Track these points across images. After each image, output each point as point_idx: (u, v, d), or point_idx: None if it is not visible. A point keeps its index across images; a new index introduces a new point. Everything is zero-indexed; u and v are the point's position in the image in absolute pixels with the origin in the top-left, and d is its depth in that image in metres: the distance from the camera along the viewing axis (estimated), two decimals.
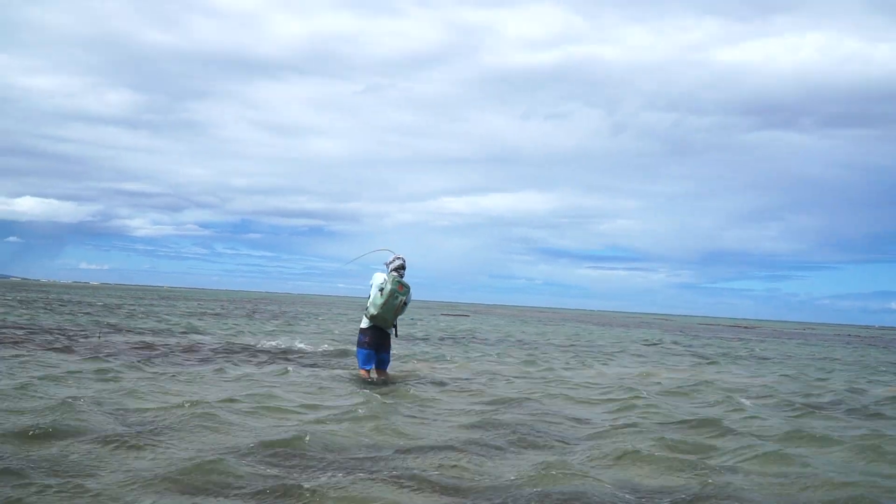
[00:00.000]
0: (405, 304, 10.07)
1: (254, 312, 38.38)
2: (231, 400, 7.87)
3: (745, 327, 71.65)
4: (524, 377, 12.38)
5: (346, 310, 53.36)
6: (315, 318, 34.15)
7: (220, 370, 10.92)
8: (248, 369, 11.38)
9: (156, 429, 6.28)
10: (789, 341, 38.00)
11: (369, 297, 10.04)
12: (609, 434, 7.26)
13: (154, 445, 5.76)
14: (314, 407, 8.04)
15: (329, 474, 5.24)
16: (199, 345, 15.70)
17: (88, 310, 29.95)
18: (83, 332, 17.35)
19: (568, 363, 15.97)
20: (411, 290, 10.09)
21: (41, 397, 7.56)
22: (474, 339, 23.99)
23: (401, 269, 10.12)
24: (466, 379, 11.57)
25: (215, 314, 33.31)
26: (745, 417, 8.61)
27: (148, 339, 16.59)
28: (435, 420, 7.64)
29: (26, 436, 5.81)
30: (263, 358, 13.50)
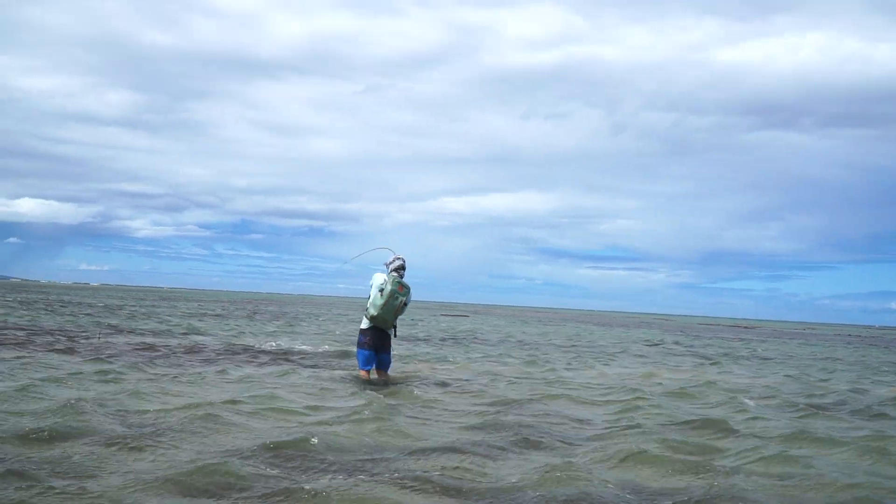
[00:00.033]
0: (405, 304, 10.05)
1: (254, 313, 38.37)
2: (234, 401, 7.85)
3: (746, 327, 71.62)
4: (526, 378, 12.36)
5: (346, 310, 53.37)
6: (316, 319, 34.14)
7: (223, 371, 10.90)
8: (251, 370, 11.37)
9: (159, 430, 6.26)
10: (790, 341, 37.98)
11: (369, 298, 10.03)
12: (613, 435, 7.24)
13: (157, 447, 5.75)
14: (317, 408, 8.03)
15: (332, 476, 5.22)
16: (201, 346, 15.68)
17: (89, 311, 29.94)
18: (85, 334, 17.34)
19: (569, 364, 15.95)
20: (411, 291, 10.08)
21: (44, 399, 7.54)
22: (475, 340, 23.98)
23: (401, 269, 10.09)
24: (468, 380, 11.55)
25: (216, 315, 33.30)
26: (749, 418, 8.59)
27: (149, 340, 16.58)
28: (437, 421, 7.63)
29: (29, 437, 5.79)
30: (265, 359, 13.48)
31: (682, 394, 10.85)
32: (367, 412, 7.61)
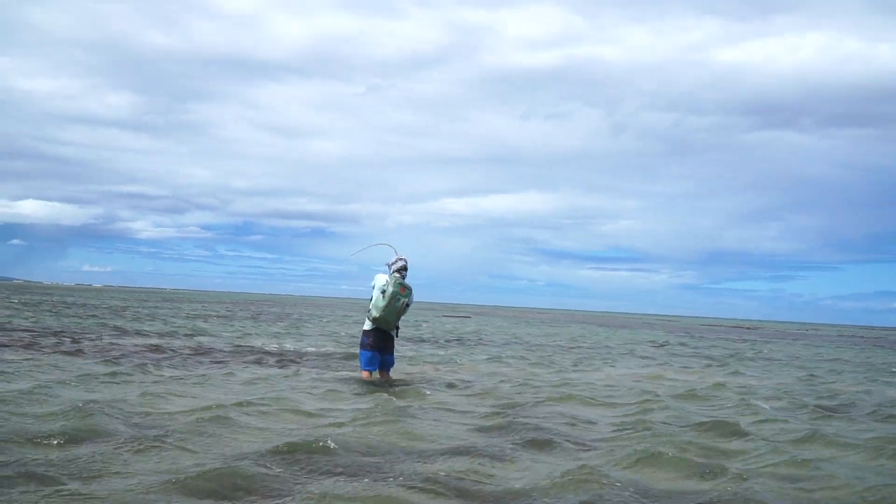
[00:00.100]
0: (407, 305, 10.04)
1: (258, 314, 38.37)
2: (244, 403, 7.82)
3: (748, 328, 71.48)
4: (534, 379, 12.33)
5: (349, 311, 53.38)
6: (320, 321, 34.14)
7: (231, 373, 10.89)
8: (259, 372, 11.35)
9: (169, 432, 6.23)
10: (795, 342, 37.92)
11: (371, 300, 10.01)
12: (624, 437, 7.20)
13: (167, 449, 5.72)
14: (326, 410, 8.00)
15: (341, 478, 5.19)
16: (208, 347, 15.68)
17: (94, 312, 29.94)
18: (91, 335, 17.33)
19: (576, 365, 15.93)
20: (413, 292, 10.05)
21: (52, 401, 7.51)
22: (480, 341, 23.96)
23: (403, 269, 10.08)
24: (475, 381, 11.53)
25: (220, 316, 33.30)
26: (762, 420, 8.56)
27: (156, 341, 16.57)
28: (446, 423, 7.59)
29: (38, 440, 5.76)
30: (272, 360, 13.48)
31: (692, 395, 10.81)
32: (376, 414, 7.59)
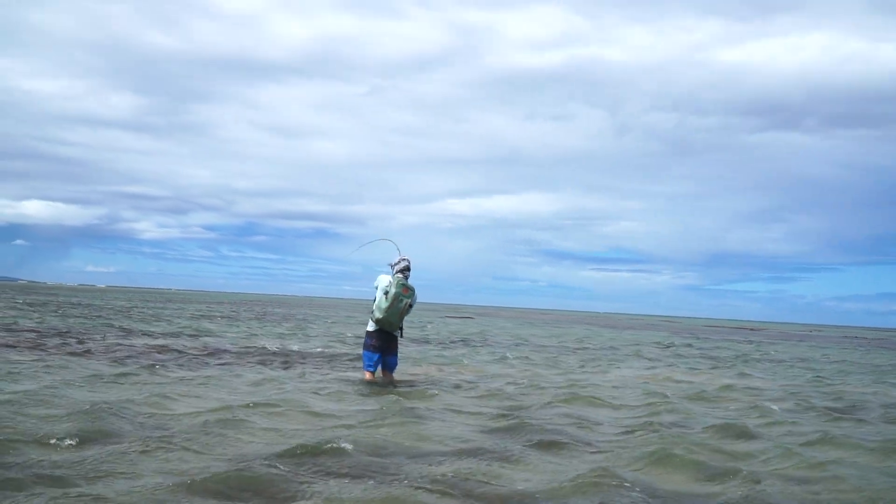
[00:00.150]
0: (410, 306, 10.03)
1: (263, 315, 38.39)
2: (252, 404, 7.82)
3: (751, 329, 71.38)
4: (541, 381, 12.31)
5: (353, 312, 53.36)
6: (325, 321, 34.14)
7: (238, 374, 10.90)
8: (266, 373, 11.35)
9: (178, 433, 6.23)
10: (799, 344, 37.86)
11: (374, 300, 10.00)
12: (635, 439, 7.19)
13: (175, 450, 5.71)
14: (333, 411, 7.99)
15: (349, 479, 5.18)
16: (215, 348, 15.68)
17: (99, 313, 29.96)
18: (97, 336, 17.34)
19: (583, 366, 15.91)
20: (416, 292, 10.05)
21: (62, 402, 7.50)
22: (486, 342, 23.95)
23: (406, 270, 10.07)
24: (483, 382, 11.51)
25: (225, 317, 33.31)
26: (773, 422, 8.55)
27: (163, 342, 16.58)
28: (454, 424, 7.57)
29: (46, 441, 5.74)
30: (279, 361, 13.48)
31: (702, 397, 10.79)
32: (383, 415, 7.59)
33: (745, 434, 7.63)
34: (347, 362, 13.81)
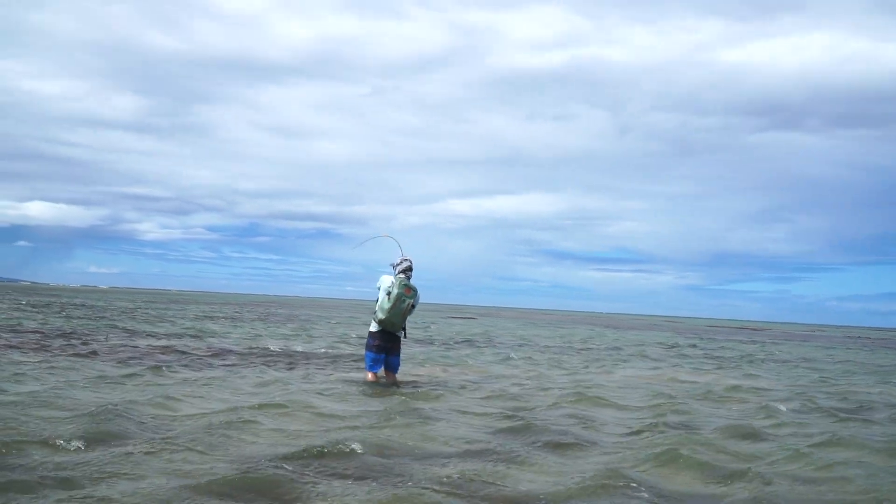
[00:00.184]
0: (413, 306, 10.02)
1: (266, 316, 38.40)
2: (260, 405, 7.80)
3: (754, 329, 71.34)
4: (547, 381, 12.30)
5: (356, 313, 53.37)
6: (328, 322, 34.14)
7: (244, 375, 10.89)
8: (271, 374, 11.33)
9: (184, 435, 6.20)
10: (803, 344, 37.81)
11: (377, 301, 10.00)
12: (643, 439, 7.16)
13: (182, 451, 5.69)
14: (339, 412, 7.96)
15: (355, 480, 5.16)
16: (219, 349, 15.68)
17: (103, 314, 29.98)
18: (102, 337, 17.34)
19: (588, 367, 15.88)
20: (418, 292, 10.04)
21: (68, 403, 7.50)
22: (490, 343, 23.94)
23: (408, 270, 10.07)
24: (488, 383, 11.50)
25: (229, 318, 33.33)
26: (780, 423, 8.52)
27: (168, 343, 16.60)
28: (460, 425, 7.55)
29: (53, 442, 5.71)
30: (284, 362, 13.48)
31: (708, 398, 10.77)
32: (389, 416, 7.58)
33: (752, 435, 7.61)
34: (352, 363, 13.80)
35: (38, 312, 27.94)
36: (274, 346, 17.22)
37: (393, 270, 10.11)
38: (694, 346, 28.96)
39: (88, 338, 16.79)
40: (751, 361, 20.44)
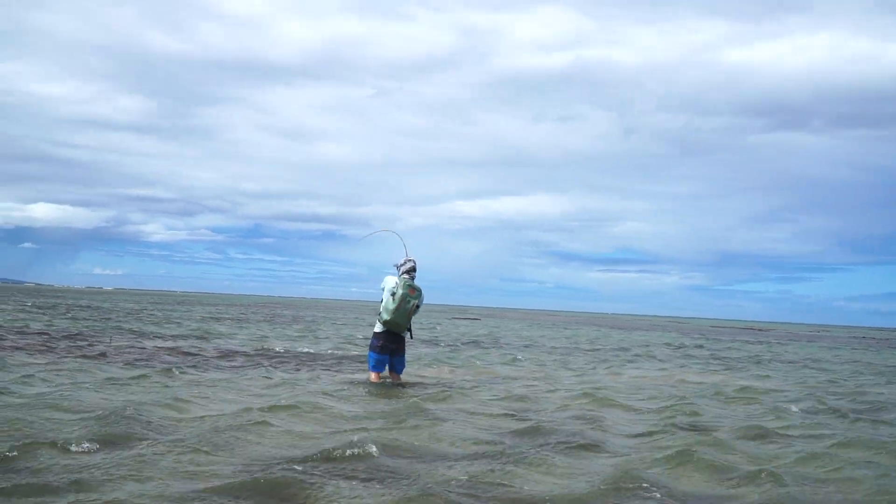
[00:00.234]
0: (417, 307, 10.02)
1: (272, 317, 38.42)
2: (268, 407, 7.76)
3: (760, 329, 71.25)
4: (555, 382, 12.28)
5: (361, 314, 53.41)
6: (333, 323, 34.14)
7: (253, 377, 10.87)
8: (280, 375, 11.33)
9: (196, 437, 6.17)
10: (810, 344, 37.72)
11: (382, 302, 9.98)
12: (654, 440, 7.13)
13: (192, 453, 5.67)
14: (348, 413, 7.95)
15: (364, 481, 5.13)
16: (228, 350, 15.69)
17: (109, 315, 30.01)
18: (110, 339, 17.35)
19: (596, 367, 15.84)
20: (423, 293, 10.02)
21: (78, 406, 7.48)
22: (497, 344, 23.91)
23: (412, 271, 10.06)
24: (497, 384, 11.48)
25: (235, 319, 33.35)
26: (792, 424, 8.47)
27: (176, 344, 16.61)
28: (470, 426, 7.50)
29: (63, 445, 5.68)
30: (292, 364, 13.47)
31: (718, 398, 10.72)
32: (398, 417, 7.58)
33: (764, 436, 7.57)
34: (358, 364, 13.78)
35: (43, 314, 27.97)
36: (281, 347, 17.21)
37: (397, 271, 10.11)
38: (700, 346, 28.89)
39: (95, 339, 16.80)
40: (758, 362, 20.38)
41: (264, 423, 6.91)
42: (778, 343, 36.64)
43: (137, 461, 5.32)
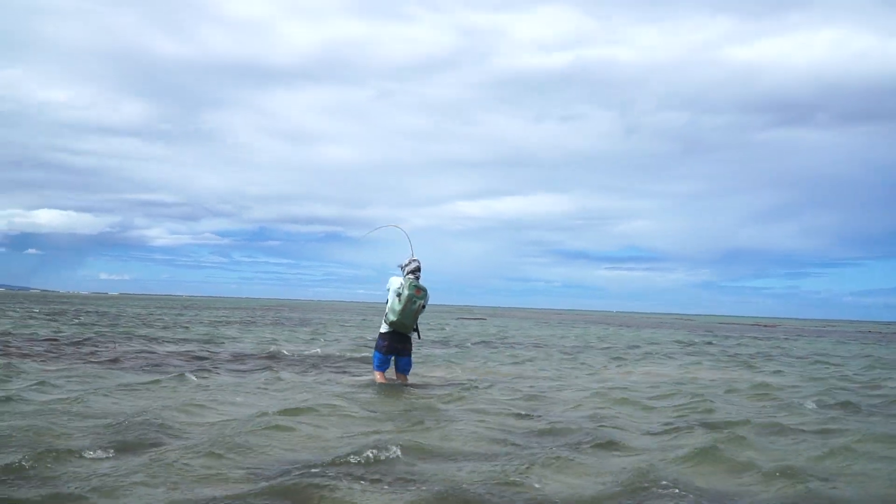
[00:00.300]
0: (423, 307, 10.01)
1: (280, 320, 38.41)
2: (282, 411, 7.72)
3: (767, 326, 71.07)
4: (569, 381, 12.24)
5: (368, 315, 53.37)
6: (342, 325, 34.13)
7: (266, 380, 10.85)
8: (293, 378, 11.31)
9: (212, 441, 6.14)
10: (819, 339, 37.60)
11: (387, 303, 9.95)
12: (674, 439, 7.09)
13: (210, 458, 5.65)
14: (363, 415, 7.92)
15: (376, 483, 5.11)
16: (239, 354, 15.69)
17: (118, 321, 30.03)
18: (121, 344, 17.34)
19: (608, 366, 15.79)
20: (428, 293, 10.00)
21: (93, 412, 7.46)
22: (507, 343, 23.88)
23: (417, 271, 10.06)
24: (510, 384, 11.44)
25: (243, 322, 33.36)
26: (809, 420, 8.43)
27: (187, 349, 16.62)
28: (484, 427, 7.45)
29: (79, 452, 5.64)
30: (304, 366, 13.47)
31: (735, 395, 10.69)
32: (411, 418, 7.58)
33: (782, 432, 7.55)
34: (370, 366, 13.71)
35: (52, 320, 28.00)
36: (291, 350, 17.20)
37: (401, 272, 10.10)
38: (710, 343, 28.81)
39: (106, 345, 16.80)
40: (770, 358, 20.30)
41: (281, 426, 6.89)
42: (787, 339, 36.54)
43: (152, 467, 5.30)
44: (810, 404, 9.61)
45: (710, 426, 7.69)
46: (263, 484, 5.00)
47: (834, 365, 18.12)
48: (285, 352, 16.57)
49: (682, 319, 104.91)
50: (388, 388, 10.04)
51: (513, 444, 6.59)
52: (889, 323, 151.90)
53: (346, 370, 12.98)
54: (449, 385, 10.85)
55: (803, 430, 7.70)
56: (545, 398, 9.81)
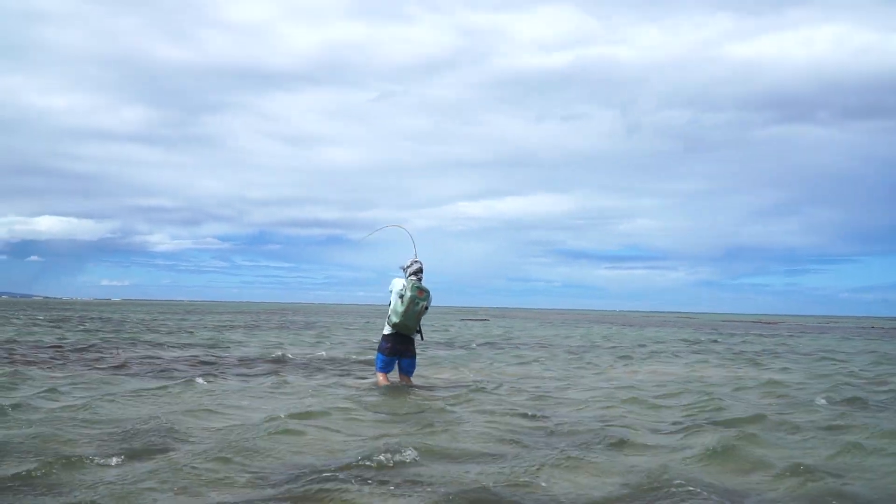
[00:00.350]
0: (426, 308, 9.98)
1: (283, 324, 38.41)
2: (293, 414, 7.69)
3: (769, 323, 71.03)
4: (576, 381, 12.22)
5: (371, 318, 53.36)
6: (346, 328, 34.10)
7: (274, 384, 10.82)
8: (301, 382, 11.29)
9: (224, 447, 6.12)
10: (822, 336, 37.56)
11: (390, 305, 9.94)
12: (685, 437, 7.05)
13: (221, 462, 5.63)
14: (372, 418, 7.91)
15: (385, 486, 5.09)
16: (246, 358, 15.68)
17: (122, 326, 30.04)
18: (127, 350, 17.35)
19: (614, 365, 15.77)
20: (431, 294, 9.98)
21: (102, 419, 7.44)
22: (512, 344, 23.86)
23: (419, 272, 10.03)
24: (517, 384, 11.42)
25: (247, 327, 33.35)
26: (820, 416, 8.39)
27: (194, 353, 16.62)
28: (493, 428, 7.42)
29: (88, 459, 5.61)
30: (311, 369, 13.46)
31: (743, 392, 10.68)
32: (420, 420, 7.56)
33: (794, 429, 7.54)
34: (374, 368, 13.75)
35: (56, 327, 28.01)
36: (297, 353, 17.19)
37: (403, 273, 10.07)
38: (715, 341, 28.80)
39: (112, 351, 16.79)
40: (776, 355, 20.27)
41: (289, 430, 6.86)
42: (790, 335, 36.50)
43: (161, 473, 5.27)
44: (819, 400, 9.59)
45: (721, 424, 7.67)
46: (272, 489, 4.98)
47: (840, 361, 18.09)
48: (291, 355, 16.55)
49: (685, 318, 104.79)
50: (395, 391, 10.02)
51: (522, 445, 6.57)
52: (890, 318, 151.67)
53: (352, 373, 12.96)
54: (456, 387, 10.83)
55: (813, 427, 7.68)
56: (552, 398, 9.79)
